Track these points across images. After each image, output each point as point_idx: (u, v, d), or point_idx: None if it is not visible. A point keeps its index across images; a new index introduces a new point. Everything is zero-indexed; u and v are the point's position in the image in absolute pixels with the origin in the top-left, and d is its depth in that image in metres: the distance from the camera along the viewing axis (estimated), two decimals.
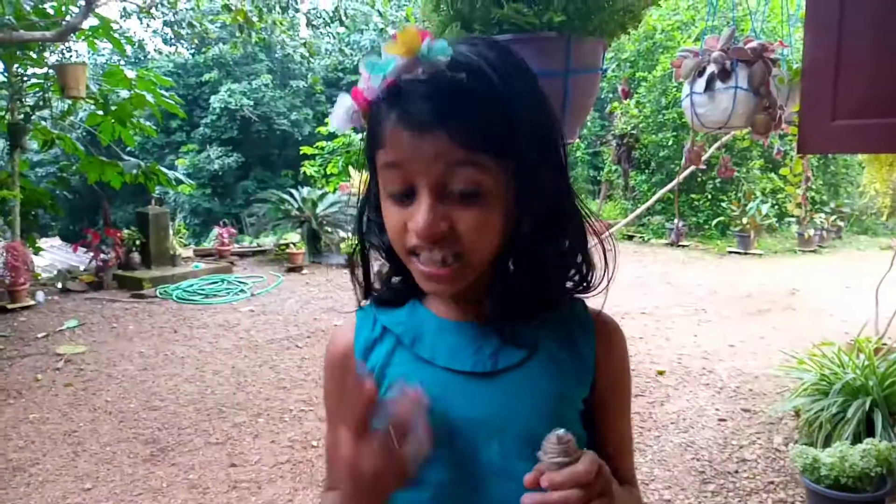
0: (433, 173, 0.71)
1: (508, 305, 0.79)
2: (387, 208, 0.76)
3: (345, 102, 0.75)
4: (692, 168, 2.55)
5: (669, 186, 6.12)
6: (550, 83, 0.75)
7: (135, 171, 7.61)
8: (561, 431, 0.67)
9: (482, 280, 0.79)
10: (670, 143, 10.67)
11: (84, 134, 8.19)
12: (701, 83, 1.95)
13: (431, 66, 0.69)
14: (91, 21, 6.61)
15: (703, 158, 2.51)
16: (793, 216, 9.95)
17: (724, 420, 3.74)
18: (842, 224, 10.44)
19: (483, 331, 0.81)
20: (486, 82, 0.70)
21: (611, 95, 11.99)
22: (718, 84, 1.92)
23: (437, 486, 0.79)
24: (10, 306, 6.10)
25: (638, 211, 7.45)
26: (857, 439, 2.79)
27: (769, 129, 1.94)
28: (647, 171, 11.44)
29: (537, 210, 0.76)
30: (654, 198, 7.65)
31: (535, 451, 0.69)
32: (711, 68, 1.93)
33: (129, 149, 7.96)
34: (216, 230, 9.09)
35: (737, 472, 3.14)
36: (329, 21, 9.67)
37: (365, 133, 0.78)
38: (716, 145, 5.56)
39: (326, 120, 12.46)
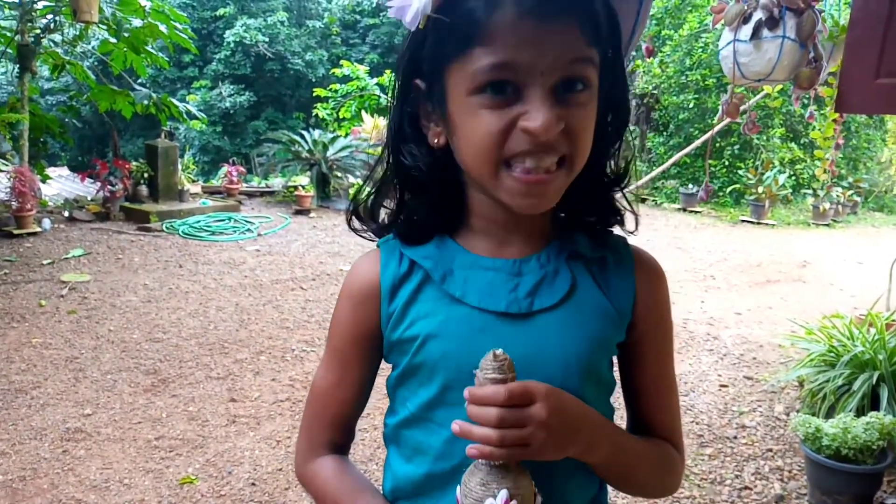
0: (556, 68, 0.64)
1: (572, 217, 0.76)
2: (478, 115, 0.66)
3: None
4: (727, 121, 2.44)
5: (694, 146, 5.99)
6: (625, 6, 0.69)
7: (146, 102, 7.50)
8: (499, 350, 0.65)
9: None
10: (691, 105, 10.44)
11: (96, 63, 8.05)
12: (747, 30, 1.84)
13: None
14: None
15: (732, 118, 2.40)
16: (811, 188, 9.79)
17: (725, 386, 3.73)
18: (858, 199, 10.27)
19: (520, 268, 0.75)
20: None
21: (633, 53, 11.69)
22: (765, 32, 1.81)
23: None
24: (16, 231, 6.09)
25: (653, 173, 7.33)
26: (860, 412, 2.77)
27: (813, 83, 1.84)
28: (665, 133, 11.23)
29: (613, 118, 0.74)
30: (671, 161, 7.51)
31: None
32: (759, 15, 1.82)
33: (140, 80, 7.83)
34: (225, 168, 9.02)
35: (735, 437, 3.13)
36: None
37: (423, 38, 0.69)
38: (742, 107, 5.41)
39: (342, 62, 12.23)
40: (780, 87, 2.00)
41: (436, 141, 0.74)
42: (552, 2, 0.62)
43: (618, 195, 0.80)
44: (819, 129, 2.94)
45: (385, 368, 0.85)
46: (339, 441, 0.86)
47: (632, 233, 0.81)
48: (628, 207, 0.80)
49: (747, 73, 1.90)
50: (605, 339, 0.77)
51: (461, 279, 0.75)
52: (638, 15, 0.73)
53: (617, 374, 0.84)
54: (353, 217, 0.82)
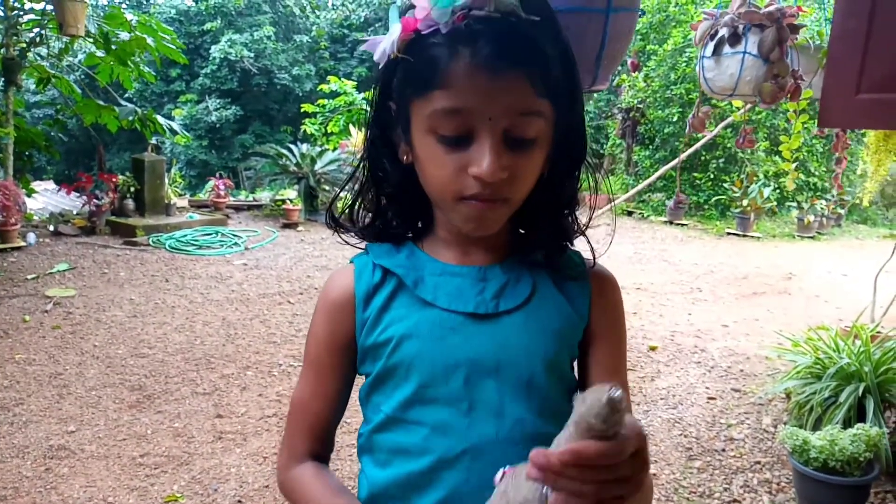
0: (504, 118, 0.69)
1: (530, 242, 0.81)
2: (434, 152, 0.73)
3: (397, 32, 0.72)
4: (701, 142, 2.48)
5: (673, 163, 6.05)
6: (588, 22, 0.72)
7: (131, 118, 7.47)
8: (617, 393, 0.50)
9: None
10: (676, 119, 10.53)
11: (82, 77, 8.01)
12: (710, 46, 1.88)
13: (504, 4, 0.66)
14: None
15: (714, 133, 2.44)
16: (796, 200, 9.88)
17: (713, 398, 3.74)
18: (842, 212, 10.39)
19: (485, 274, 0.81)
20: (553, 27, 0.70)
21: (619, 68, 11.79)
22: (726, 48, 1.85)
23: (433, 425, 0.78)
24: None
25: (639, 187, 7.37)
26: (846, 424, 2.78)
27: (776, 98, 1.87)
28: (650, 146, 11.32)
29: (568, 155, 0.78)
30: (657, 174, 7.57)
31: (530, 390, 0.69)
32: (722, 31, 1.85)
33: (127, 94, 7.80)
34: (212, 182, 8.98)
35: (723, 450, 3.14)
36: None
37: (395, 66, 0.74)
38: (723, 123, 5.45)
39: (329, 77, 12.24)
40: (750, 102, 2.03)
41: (405, 158, 0.79)
42: (505, 56, 0.67)
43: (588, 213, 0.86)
44: (786, 142, 2.98)
45: (359, 383, 0.87)
46: (318, 451, 0.88)
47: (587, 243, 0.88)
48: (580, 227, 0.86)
49: (714, 88, 1.94)
50: (566, 337, 0.82)
51: (432, 285, 0.80)
52: (605, 33, 0.77)
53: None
54: (333, 222, 0.88)
